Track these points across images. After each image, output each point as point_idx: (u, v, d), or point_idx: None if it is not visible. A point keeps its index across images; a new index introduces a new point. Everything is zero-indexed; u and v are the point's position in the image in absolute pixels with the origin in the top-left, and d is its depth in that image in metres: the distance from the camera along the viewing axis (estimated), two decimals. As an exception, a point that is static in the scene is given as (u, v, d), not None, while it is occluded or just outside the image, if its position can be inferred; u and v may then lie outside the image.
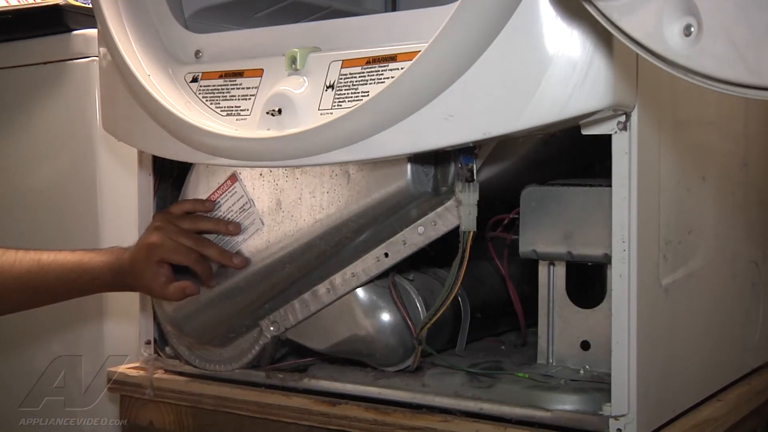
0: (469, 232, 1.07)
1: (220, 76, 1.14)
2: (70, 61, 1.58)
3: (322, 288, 1.19)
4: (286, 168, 1.17)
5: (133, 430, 1.34)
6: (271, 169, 1.18)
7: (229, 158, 1.09)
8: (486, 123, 0.93)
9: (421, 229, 1.12)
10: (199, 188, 1.25)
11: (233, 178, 1.21)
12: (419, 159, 1.08)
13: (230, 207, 1.21)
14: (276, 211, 1.18)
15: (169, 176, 1.35)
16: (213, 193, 1.24)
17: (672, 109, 1.08)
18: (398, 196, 1.09)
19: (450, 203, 1.10)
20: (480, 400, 1.09)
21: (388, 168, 1.09)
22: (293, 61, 1.06)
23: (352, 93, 1.02)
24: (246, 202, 1.20)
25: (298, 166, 1.14)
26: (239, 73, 1.12)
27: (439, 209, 1.11)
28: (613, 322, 0.99)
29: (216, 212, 1.23)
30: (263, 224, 1.19)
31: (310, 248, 1.16)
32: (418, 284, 1.19)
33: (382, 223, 1.13)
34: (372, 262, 1.16)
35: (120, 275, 1.21)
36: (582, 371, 1.13)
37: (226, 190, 1.22)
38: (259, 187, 1.20)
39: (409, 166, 1.07)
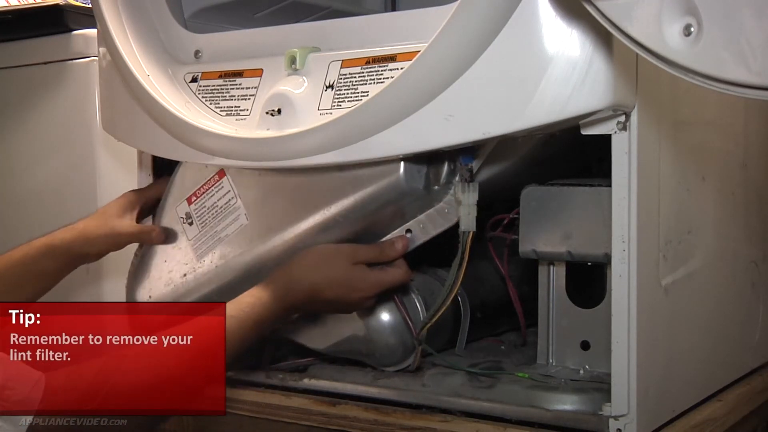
0: (469, 232, 1.07)
1: (220, 76, 1.14)
2: (70, 61, 1.58)
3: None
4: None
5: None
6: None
7: (228, 158, 1.09)
8: (486, 123, 0.93)
9: (411, 233, 1.12)
10: (185, 182, 1.25)
11: (221, 173, 1.21)
12: (412, 156, 1.07)
13: (215, 202, 1.21)
14: (263, 206, 1.17)
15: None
16: (200, 187, 1.23)
17: (672, 109, 1.08)
18: (390, 192, 1.08)
19: (440, 205, 1.09)
20: (480, 400, 1.09)
21: (380, 164, 1.08)
22: (293, 61, 1.06)
23: (351, 93, 1.02)
24: (232, 197, 1.19)
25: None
26: (239, 73, 1.12)
27: (430, 211, 1.10)
28: (613, 322, 0.98)
29: (202, 207, 1.22)
30: (248, 220, 1.18)
31: (301, 245, 1.15)
32: (418, 284, 1.19)
33: (373, 221, 1.12)
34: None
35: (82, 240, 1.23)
36: (582, 371, 1.13)
37: (213, 185, 1.21)
38: (245, 183, 1.19)
39: (402, 163, 1.07)
